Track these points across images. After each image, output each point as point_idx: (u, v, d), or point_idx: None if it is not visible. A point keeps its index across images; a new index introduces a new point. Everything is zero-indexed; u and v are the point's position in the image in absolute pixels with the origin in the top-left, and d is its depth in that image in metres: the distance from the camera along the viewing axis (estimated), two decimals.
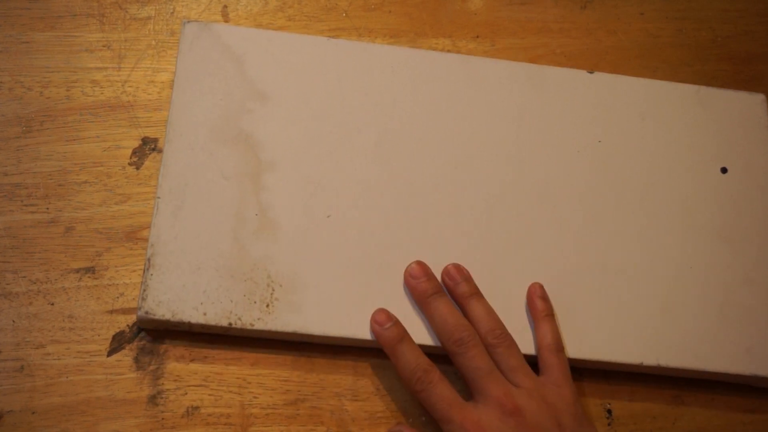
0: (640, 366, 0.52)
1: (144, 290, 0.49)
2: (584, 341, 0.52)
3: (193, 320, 0.49)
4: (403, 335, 0.49)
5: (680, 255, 0.55)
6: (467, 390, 0.49)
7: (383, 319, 0.50)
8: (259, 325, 0.49)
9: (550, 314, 0.52)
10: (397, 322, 0.50)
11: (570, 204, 0.56)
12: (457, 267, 0.52)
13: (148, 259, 0.50)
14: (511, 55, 0.63)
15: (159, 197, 0.51)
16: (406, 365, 0.48)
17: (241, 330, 0.50)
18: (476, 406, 0.47)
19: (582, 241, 0.55)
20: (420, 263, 0.52)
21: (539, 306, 0.52)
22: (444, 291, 0.51)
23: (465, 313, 0.51)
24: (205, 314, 0.49)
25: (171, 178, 0.52)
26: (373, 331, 0.50)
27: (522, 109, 0.58)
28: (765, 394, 0.55)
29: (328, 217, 0.53)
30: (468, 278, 0.52)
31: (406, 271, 0.51)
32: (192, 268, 0.50)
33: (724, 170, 0.58)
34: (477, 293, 0.51)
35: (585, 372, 0.54)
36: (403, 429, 0.49)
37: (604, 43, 0.65)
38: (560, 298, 0.53)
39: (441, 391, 0.47)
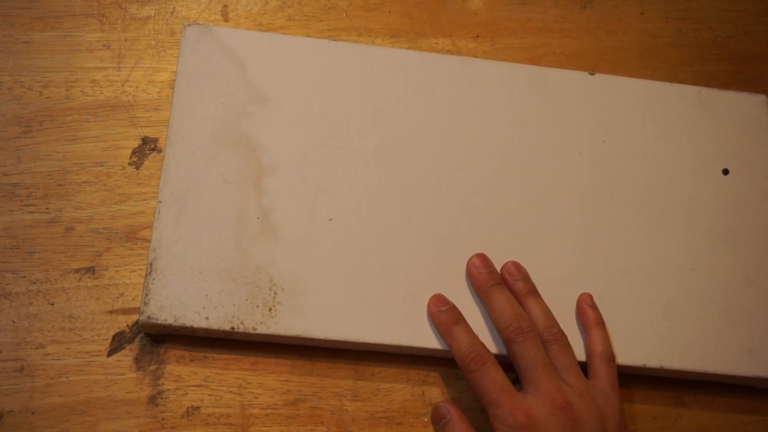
0: (643, 368, 0.52)
1: (146, 295, 0.49)
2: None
3: (196, 324, 0.49)
4: (460, 318, 0.50)
5: (682, 257, 0.55)
6: (518, 382, 0.49)
7: (440, 301, 0.51)
8: (262, 329, 0.49)
9: (602, 323, 0.52)
10: (453, 306, 0.51)
11: (571, 206, 0.56)
12: (516, 265, 0.53)
13: (150, 264, 0.50)
14: (511, 55, 0.63)
15: (161, 201, 0.51)
16: (461, 346, 0.49)
17: (244, 334, 0.50)
18: (526, 396, 0.47)
19: (583, 243, 0.55)
20: (482, 255, 0.52)
21: (590, 314, 0.52)
22: (504, 284, 0.52)
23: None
24: (207, 318, 0.49)
25: (172, 182, 0.52)
26: (429, 313, 0.51)
27: (523, 112, 0.58)
28: (766, 395, 0.55)
29: (330, 220, 0.53)
30: (526, 277, 0.52)
31: (468, 260, 0.52)
32: (194, 272, 0.50)
33: (725, 171, 0.58)
34: (535, 291, 0.52)
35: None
36: (448, 407, 0.49)
37: (604, 43, 0.65)
38: (561, 300, 0.53)
39: (494, 375, 0.47)
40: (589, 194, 0.56)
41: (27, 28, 0.57)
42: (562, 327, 0.51)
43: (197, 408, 0.49)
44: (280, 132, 0.54)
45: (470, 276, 0.52)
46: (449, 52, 0.62)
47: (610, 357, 0.51)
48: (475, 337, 0.49)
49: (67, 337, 0.50)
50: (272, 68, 0.56)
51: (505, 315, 0.50)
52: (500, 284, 0.51)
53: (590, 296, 0.53)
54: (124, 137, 0.55)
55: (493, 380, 0.47)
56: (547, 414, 0.46)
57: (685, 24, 0.67)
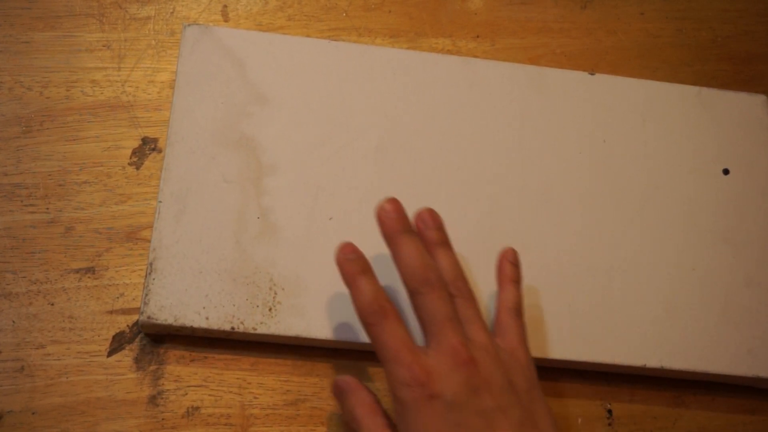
0: (643, 368, 0.52)
1: (146, 295, 0.49)
2: (587, 343, 0.52)
3: (196, 325, 0.49)
4: (366, 268, 0.46)
5: (682, 257, 0.55)
6: (421, 336, 0.46)
7: (349, 250, 0.46)
8: (262, 329, 0.49)
9: (517, 280, 0.50)
10: (362, 256, 0.46)
11: (571, 206, 0.56)
12: (431, 212, 0.49)
13: (150, 264, 0.50)
14: (511, 55, 0.63)
15: (161, 201, 0.51)
16: (363, 296, 0.44)
17: (244, 334, 0.50)
18: (428, 352, 0.44)
19: (583, 243, 0.55)
20: (394, 200, 0.47)
21: (507, 270, 0.50)
22: (415, 232, 0.47)
23: None
24: (207, 318, 0.49)
25: (172, 182, 0.52)
26: (336, 260, 0.46)
27: (523, 112, 0.58)
28: (766, 395, 0.55)
29: (330, 219, 0.53)
30: (440, 226, 0.49)
31: (378, 205, 0.47)
32: (194, 272, 0.50)
33: (726, 172, 0.58)
34: (447, 242, 0.48)
35: (585, 372, 0.54)
36: (346, 378, 0.46)
37: (604, 43, 0.65)
38: (562, 300, 0.53)
39: (395, 329, 0.43)
40: (589, 194, 0.56)
41: (27, 28, 0.57)
42: (564, 329, 0.51)
43: (197, 408, 0.49)
44: (280, 132, 0.54)
45: (378, 221, 0.47)
46: (449, 52, 0.62)
47: (518, 311, 0.48)
48: (380, 289, 0.45)
49: (67, 337, 0.50)
50: (272, 68, 0.56)
51: (412, 264, 0.45)
52: (410, 232, 0.47)
53: (514, 252, 0.51)
54: (125, 137, 0.55)
55: (393, 334, 0.43)
56: (448, 370, 0.43)
57: (685, 24, 0.67)
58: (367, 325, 0.44)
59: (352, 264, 0.46)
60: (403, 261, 0.46)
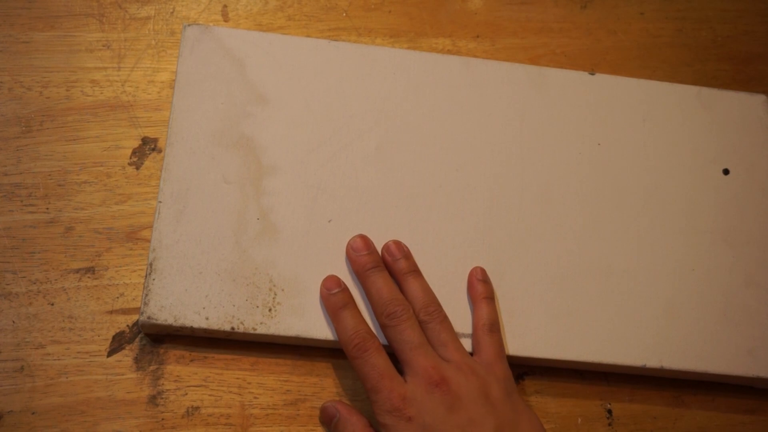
0: (643, 368, 0.52)
1: (146, 295, 0.49)
2: (587, 344, 0.52)
3: (196, 325, 0.49)
4: (349, 301, 0.50)
5: (682, 257, 0.55)
6: (398, 366, 0.49)
7: (332, 284, 0.50)
8: (262, 330, 0.49)
9: (490, 297, 0.52)
10: (345, 289, 0.50)
11: (572, 206, 0.56)
12: (398, 243, 0.52)
13: (150, 264, 0.50)
14: (511, 54, 0.63)
15: (161, 201, 0.51)
16: (345, 330, 0.48)
17: (244, 334, 0.50)
18: (406, 379, 0.47)
19: (584, 243, 0.55)
20: (363, 237, 0.52)
21: (479, 288, 0.52)
22: (384, 267, 0.51)
23: (402, 290, 0.51)
24: (207, 319, 0.49)
25: (172, 183, 0.52)
26: (320, 294, 0.50)
27: (523, 111, 0.58)
28: (766, 395, 0.55)
29: (330, 221, 0.53)
30: (408, 255, 0.52)
31: (348, 243, 0.52)
32: (194, 272, 0.50)
33: (725, 172, 0.58)
34: (415, 270, 0.52)
35: (585, 372, 0.54)
36: (335, 405, 0.49)
37: (604, 43, 0.65)
38: (562, 301, 0.53)
39: (375, 360, 0.47)
40: (589, 194, 0.56)
41: (27, 28, 0.57)
42: (564, 329, 0.51)
43: (197, 408, 0.49)
44: (280, 132, 0.54)
45: (349, 259, 0.51)
46: (449, 52, 0.62)
47: (494, 327, 0.50)
48: (362, 322, 0.49)
49: (67, 337, 0.50)
50: (272, 68, 0.56)
51: (381, 300, 0.49)
52: (378, 267, 0.51)
53: (482, 270, 0.53)
54: (124, 137, 0.55)
55: (374, 366, 0.47)
56: (423, 393, 0.46)
57: (685, 24, 0.67)
58: (351, 358, 0.48)
59: (334, 298, 0.50)
60: (372, 297, 0.50)
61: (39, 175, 0.53)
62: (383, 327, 0.49)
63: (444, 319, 0.50)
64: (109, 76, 0.56)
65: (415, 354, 0.47)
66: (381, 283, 0.50)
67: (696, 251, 0.56)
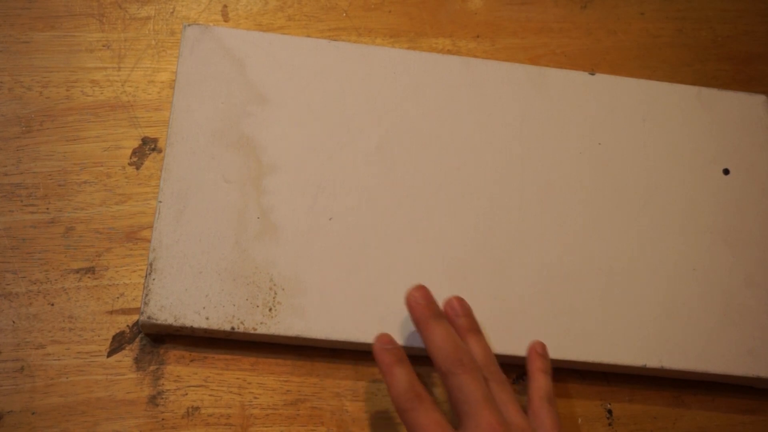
0: (643, 368, 0.52)
1: (146, 295, 0.49)
2: (587, 343, 0.52)
3: (196, 325, 0.49)
4: (402, 357, 0.47)
5: (682, 257, 0.55)
6: (453, 418, 0.47)
7: (386, 340, 0.48)
8: (262, 329, 0.49)
9: (547, 371, 0.51)
10: (398, 347, 0.48)
11: (572, 206, 0.56)
12: (460, 300, 0.51)
13: (150, 264, 0.50)
14: (511, 54, 0.63)
15: (161, 201, 0.51)
16: (400, 384, 0.46)
17: (244, 334, 0.50)
18: None
19: (584, 243, 0.55)
20: (422, 287, 0.49)
21: (538, 362, 0.51)
22: (446, 318, 0.49)
23: None
24: (207, 318, 0.49)
25: (173, 182, 0.52)
26: (373, 349, 0.48)
27: (523, 111, 0.58)
28: (766, 395, 0.55)
29: (330, 220, 0.53)
30: (469, 314, 0.51)
31: (408, 292, 0.49)
32: (194, 272, 0.50)
33: (726, 172, 0.58)
34: (477, 329, 0.50)
35: (585, 372, 0.54)
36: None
37: (604, 43, 0.65)
38: (562, 301, 0.53)
39: (431, 413, 0.45)
40: (590, 194, 0.56)
41: (27, 28, 0.57)
42: (565, 330, 0.51)
43: (197, 408, 0.49)
44: (280, 132, 0.54)
45: (409, 307, 0.49)
46: (449, 52, 0.62)
47: (551, 399, 0.49)
48: (415, 377, 0.46)
49: (67, 337, 0.50)
50: (272, 68, 0.56)
51: (445, 346, 0.47)
52: (440, 316, 0.49)
53: (543, 345, 0.52)
54: (125, 137, 0.55)
55: (431, 418, 0.45)
56: None
57: (685, 24, 0.67)
58: (404, 411, 0.45)
59: (388, 354, 0.47)
60: (435, 344, 0.47)
61: (39, 175, 0.53)
62: (446, 375, 0.46)
63: (504, 381, 0.48)
64: (109, 76, 0.56)
65: (481, 408, 0.45)
66: (444, 331, 0.47)
67: (696, 251, 0.56)
